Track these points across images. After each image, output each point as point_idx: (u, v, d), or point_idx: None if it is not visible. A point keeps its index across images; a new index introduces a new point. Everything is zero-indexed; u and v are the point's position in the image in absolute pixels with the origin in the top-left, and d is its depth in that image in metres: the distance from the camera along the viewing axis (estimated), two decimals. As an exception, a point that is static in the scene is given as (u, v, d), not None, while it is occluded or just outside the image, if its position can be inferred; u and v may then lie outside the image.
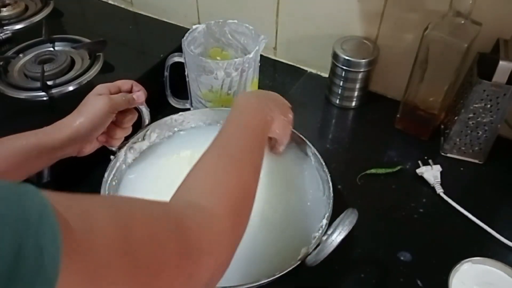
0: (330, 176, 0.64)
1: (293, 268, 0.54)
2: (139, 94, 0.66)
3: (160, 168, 0.70)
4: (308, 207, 0.66)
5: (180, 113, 0.75)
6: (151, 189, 0.68)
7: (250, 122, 0.56)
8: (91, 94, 0.62)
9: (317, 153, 0.67)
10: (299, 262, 0.54)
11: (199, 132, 0.76)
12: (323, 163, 0.66)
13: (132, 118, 0.66)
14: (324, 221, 0.59)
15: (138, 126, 0.70)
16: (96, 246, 0.27)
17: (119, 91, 0.65)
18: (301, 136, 0.70)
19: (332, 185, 0.63)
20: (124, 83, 0.65)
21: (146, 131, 0.71)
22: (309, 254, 0.54)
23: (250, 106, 0.59)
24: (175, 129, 0.75)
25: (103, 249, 0.27)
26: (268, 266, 0.57)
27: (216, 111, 0.76)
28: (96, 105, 0.60)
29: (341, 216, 0.54)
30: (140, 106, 0.68)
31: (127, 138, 0.68)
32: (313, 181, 0.68)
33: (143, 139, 0.72)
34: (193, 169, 0.46)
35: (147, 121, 0.71)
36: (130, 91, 0.66)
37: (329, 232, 0.54)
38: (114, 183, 0.66)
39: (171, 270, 0.33)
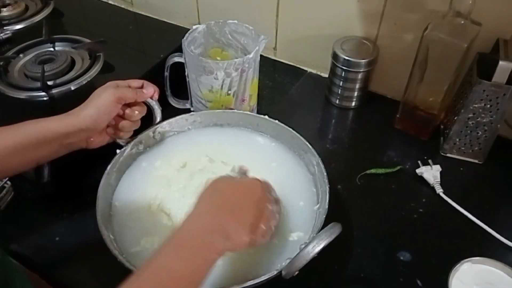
0: (329, 188, 0.63)
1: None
2: (148, 88, 0.67)
3: (159, 167, 0.71)
4: (303, 217, 0.65)
5: (192, 112, 0.76)
6: (149, 189, 0.68)
7: (178, 269, 0.45)
8: (99, 88, 0.64)
9: (321, 163, 0.66)
10: (276, 273, 0.52)
11: (206, 133, 0.77)
12: (325, 174, 0.65)
13: (140, 112, 0.67)
14: (312, 233, 0.58)
15: (149, 122, 0.71)
16: None
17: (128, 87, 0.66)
18: (307, 143, 0.69)
19: (329, 198, 0.61)
20: (134, 81, 0.67)
21: (156, 128, 0.72)
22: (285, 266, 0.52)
23: (193, 239, 0.47)
24: (186, 128, 0.76)
25: None
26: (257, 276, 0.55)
27: (228, 113, 0.76)
28: (102, 95, 0.62)
29: (323, 229, 0.52)
30: (152, 103, 0.69)
31: (136, 134, 0.69)
32: (313, 191, 0.68)
33: (153, 137, 0.73)
34: None
35: (158, 119, 0.72)
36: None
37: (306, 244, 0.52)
38: (114, 176, 0.67)
39: None
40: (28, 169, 0.62)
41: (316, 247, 0.50)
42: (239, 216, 0.50)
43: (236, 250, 0.50)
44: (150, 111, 0.70)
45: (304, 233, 0.62)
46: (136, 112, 0.66)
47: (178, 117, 0.74)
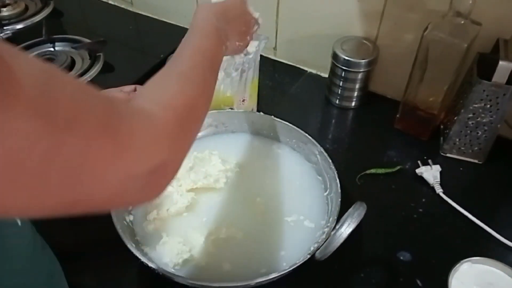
0: (337, 172, 0.65)
1: (300, 266, 0.55)
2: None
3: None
4: (316, 204, 0.67)
5: None
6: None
7: (204, 45, 0.55)
8: None
9: (324, 151, 0.68)
10: (309, 257, 0.55)
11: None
12: (330, 161, 0.67)
13: None
14: (332, 217, 0.60)
15: None
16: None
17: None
18: (306, 135, 0.71)
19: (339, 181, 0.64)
20: (127, 87, 0.67)
21: None
22: (319, 248, 0.55)
23: (207, 30, 0.58)
24: None
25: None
26: (278, 262, 0.59)
27: (222, 113, 0.76)
28: None
29: (349, 210, 0.55)
30: None
31: None
32: (319, 179, 0.70)
33: None
34: (145, 84, 0.46)
35: None
36: None
37: (337, 226, 0.55)
38: None
39: (91, 128, 0.30)
40: None
41: (350, 226, 0.53)
42: (233, 27, 0.61)
43: (229, 46, 0.59)
44: None
45: (318, 219, 0.64)
46: None
47: None
